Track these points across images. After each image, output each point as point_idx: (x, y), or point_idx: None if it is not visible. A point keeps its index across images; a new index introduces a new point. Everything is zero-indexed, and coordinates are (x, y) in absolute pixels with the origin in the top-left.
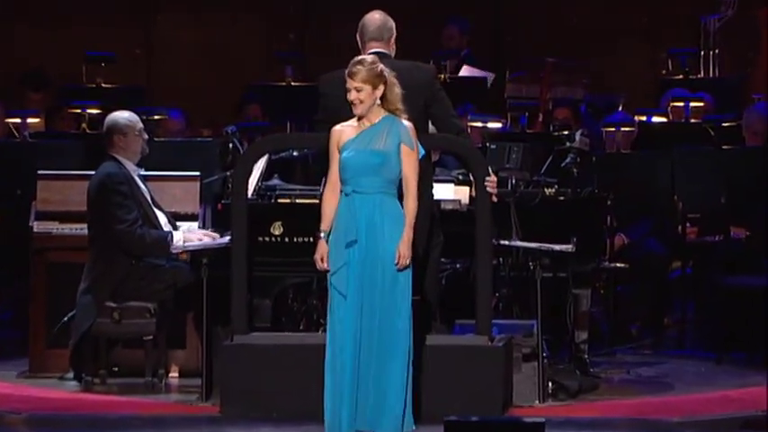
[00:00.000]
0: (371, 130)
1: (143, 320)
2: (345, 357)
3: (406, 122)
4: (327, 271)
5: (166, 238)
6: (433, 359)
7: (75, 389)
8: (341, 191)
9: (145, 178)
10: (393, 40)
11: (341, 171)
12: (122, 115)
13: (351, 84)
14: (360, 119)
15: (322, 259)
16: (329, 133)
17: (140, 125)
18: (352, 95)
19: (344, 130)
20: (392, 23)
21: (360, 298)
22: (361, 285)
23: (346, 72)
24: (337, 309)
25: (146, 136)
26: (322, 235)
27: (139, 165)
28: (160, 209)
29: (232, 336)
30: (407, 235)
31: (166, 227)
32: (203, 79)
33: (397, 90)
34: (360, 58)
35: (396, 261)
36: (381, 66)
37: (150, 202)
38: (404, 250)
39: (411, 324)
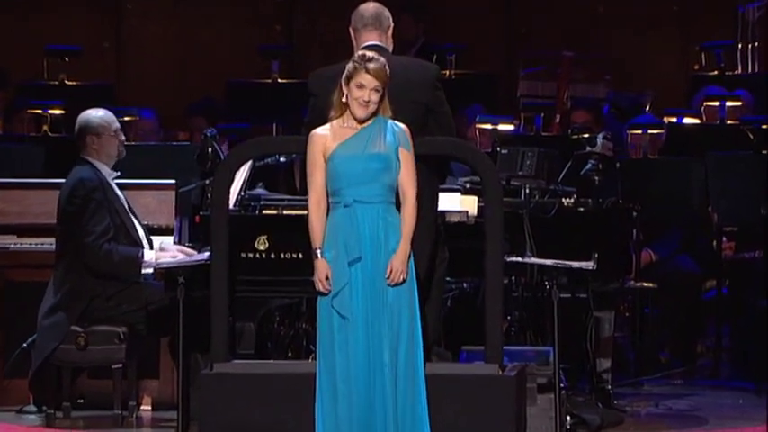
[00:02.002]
0: (365, 133)
1: (111, 346)
2: (357, 388)
3: (401, 124)
4: (327, 293)
5: (137, 256)
6: (437, 390)
7: (35, 423)
8: (337, 202)
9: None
10: (391, 31)
11: (334, 180)
12: (96, 114)
13: (367, 81)
14: (347, 113)
15: (327, 279)
16: (308, 139)
17: (116, 125)
18: (366, 95)
19: (327, 135)
20: (389, 13)
21: (366, 321)
22: (366, 307)
23: (360, 66)
24: (338, 334)
25: (122, 137)
26: (319, 253)
27: (115, 168)
28: (137, 220)
29: (211, 364)
30: (404, 247)
31: (144, 240)
32: (179, 76)
33: (386, 97)
34: (372, 54)
35: (387, 275)
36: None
37: (128, 210)
38: (398, 264)
39: (420, 346)
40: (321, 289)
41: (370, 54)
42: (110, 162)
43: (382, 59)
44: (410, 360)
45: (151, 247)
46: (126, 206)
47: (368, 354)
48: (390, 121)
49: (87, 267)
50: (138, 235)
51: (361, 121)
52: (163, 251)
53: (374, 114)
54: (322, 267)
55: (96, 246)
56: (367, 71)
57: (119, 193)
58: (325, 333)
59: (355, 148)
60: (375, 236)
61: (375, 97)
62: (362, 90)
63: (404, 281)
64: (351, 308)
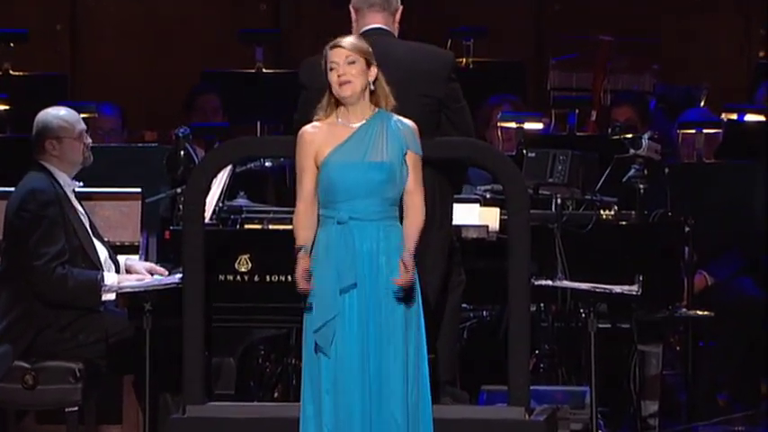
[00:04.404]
0: (363, 134)
1: (65, 385)
2: None
3: (407, 120)
4: (307, 294)
5: (96, 280)
6: None
7: None
8: (329, 216)
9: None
10: (399, 15)
11: (327, 191)
12: (56, 113)
13: (338, 56)
14: (340, 110)
15: (305, 276)
16: (297, 138)
17: (81, 126)
18: (341, 69)
19: (320, 135)
20: None
21: (362, 359)
22: (363, 342)
23: (328, 46)
24: (325, 373)
25: (88, 140)
26: (302, 252)
27: (77, 177)
28: (100, 239)
29: (183, 406)
30: (410, 247)
31: (107, 264)
32: (145, 65)
33: (386, 85)
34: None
35: (398, 277)
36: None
37: (88, 228)
38: (408, 261)
39: (428, 391)
40: (300, 288)
41: (342, 36)
42: (73, 170)
43: (358, 36)
44: (415, 403)
45: (118, 272)
46: (87, 224)
47: (363, 398)
48: (394, 118)
49: (37, 294)
50: (98, 259)
51: (349, 103)
52: (128, 271)
53: (375, 105)
54: (301, 263)
55: (48, 270)
56: (334, 46)
57: (79, 208)
58: (312, 372)
59: (353, 153)
60: (374, 259)
61: (353, 70)
62: (335, 70)
63: (411, 289)
64: (343, 343)
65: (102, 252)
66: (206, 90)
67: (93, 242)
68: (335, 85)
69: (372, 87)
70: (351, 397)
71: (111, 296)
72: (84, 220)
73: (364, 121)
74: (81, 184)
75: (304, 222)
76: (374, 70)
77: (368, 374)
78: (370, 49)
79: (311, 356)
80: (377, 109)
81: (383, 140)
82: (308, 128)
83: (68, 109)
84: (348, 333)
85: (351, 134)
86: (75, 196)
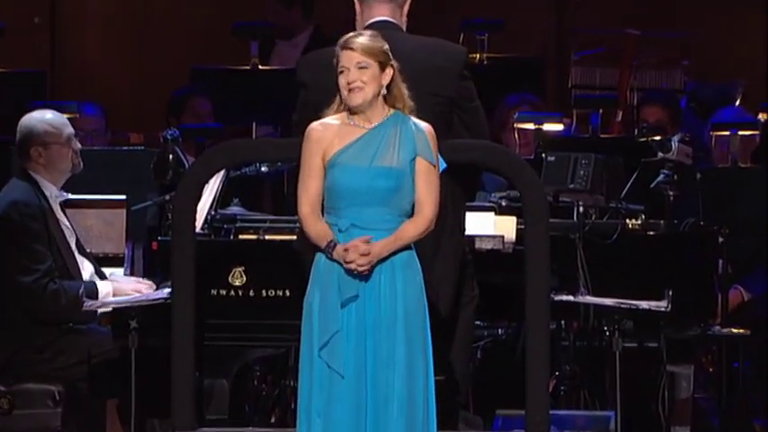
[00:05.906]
0: (374, 137)
1: (44, 410)
2: None
3: (424, 124)
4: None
5: (90, 290)
6: None
7: None
8: (332, 224)
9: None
10: (407, 6)
11: (331, 196)
12: (42, 118)
13: (348, 59)
14: (352, 113)
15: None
16: (303, 134)
17: (69, 130)
18: (352, 76)
19: (328, 133)
20: None
21: (356, 381)
22: (358, 365)
23: (339, 45)
24: (317, 393)
25: (77, 145)
26: (336, 245)
27: (65, 185)
28: (86, 255)
29: None
30: (385, 243)
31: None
32: (131, 61)
33: (404, 84)
34: (360, 33)
35: (353, 251)
36: (387, 45)
37: (73, 245)
38: (376, 248)
39: (435, 418)
40: (349, 263)
41: (356, 33)
42: (61, 179)
43: (368, 32)
44: (421, 428)
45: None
46: (72, 241)
47: (358, 423)
48: (412, 120)
49: (27, 314)
50: (81, 279)
51: (359, 110)
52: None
53: (391, 107)
54: (340, 248)
55: (36, 288)
56: (343, 47)
57: (65, 221)
58: (305, 391)
59: (361, 157)
60: (376, 273)
61: (364, 76)
62: (345, 74)
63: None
64: (342, 362)
65: (88, 269)
66: (197, 91)
67: (76, 260)
68: (344, 91)
69: (385, 91)
70: (342, 421)
71: (100, 308)
72: (68, 236)
73: (380, 123)
74: (69, 195)
75: (313, 222)
76: (389, 72)
77: (363, 398)
78: (386, 48)
79: (306, 374)
80: (393, 110)
81: (395, 145)
82: (316, 125)
83: (54, 112)
84: (345, 351)
85: (361, 135)
86: (62, 208)
